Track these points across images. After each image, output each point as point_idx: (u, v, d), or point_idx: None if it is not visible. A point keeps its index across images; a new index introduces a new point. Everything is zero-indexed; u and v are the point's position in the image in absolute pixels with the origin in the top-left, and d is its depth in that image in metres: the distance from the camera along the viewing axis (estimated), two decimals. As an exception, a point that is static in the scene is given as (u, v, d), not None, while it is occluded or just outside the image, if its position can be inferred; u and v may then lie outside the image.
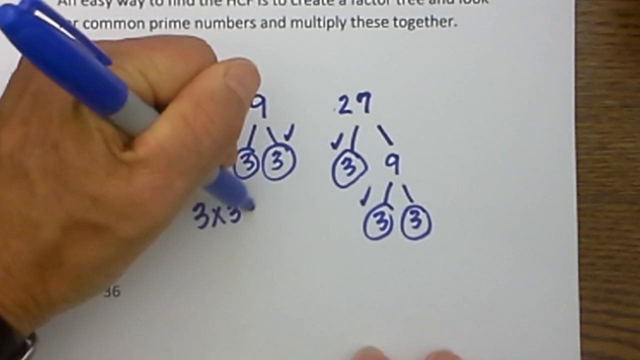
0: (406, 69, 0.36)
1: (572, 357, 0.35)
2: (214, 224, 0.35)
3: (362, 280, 0.35)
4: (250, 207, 0.35)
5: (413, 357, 0.35)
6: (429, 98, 0.36)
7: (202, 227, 0.35)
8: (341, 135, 0.36)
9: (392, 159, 0.36)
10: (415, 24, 0.36)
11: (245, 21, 0.36)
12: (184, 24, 0.35)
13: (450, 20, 0.36)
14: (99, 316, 0.35)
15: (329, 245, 0.35)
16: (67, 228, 0.25)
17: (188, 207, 0.35)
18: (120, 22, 0.35)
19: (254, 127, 0.35)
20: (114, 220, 0.26)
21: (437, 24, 0.36)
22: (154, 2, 0.35)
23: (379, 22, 0.36)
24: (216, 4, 0.36)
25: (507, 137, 0.36)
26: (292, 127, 0.36)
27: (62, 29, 0.22)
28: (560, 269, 0.36)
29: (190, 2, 0.35)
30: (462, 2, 0.36)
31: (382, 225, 0.36)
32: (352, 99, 0.36)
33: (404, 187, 0.36)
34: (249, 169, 0.35)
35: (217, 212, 0.35)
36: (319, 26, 0.36)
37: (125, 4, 0.35)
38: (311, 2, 0.36)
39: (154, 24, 0.35)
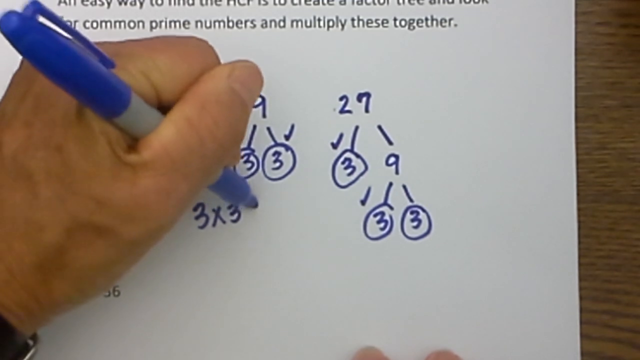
0: (406, 69, 0.36)
1: (572, 357, 0.35)
2: (214, 224, 0.35)
3: (362, 280, 0.35)
4: (254, 204, 0.35)
5: (413, 357, 0.35)
6: (429, 98, 0.36)
7: (202, 227, 0.35)
8: (341, 135, 0.36)
9: (392, 159, 0.36)
10: (415, 24, 0.36)
11: (245, 21, 0.36)
12: (184, 24, 0.35)
13: (450, 20, 0.36)
14: (99, 316, 0.35)
15: (329, 245, 0.35)
16: (71, 230, 0.25)
17: (190, 208, 0.35)
18: (120, 22, 0.35)
19: (254, 127, 0.35)
20: (118, 223, 0.26)
21: (437, 24, 0.36)
22: (154, 2, 0.35)
23: (379, 22, 0.36)
24: (216, 4, 0.36)
25: (507, 137, 0.36)
26: (292, 127, 0.36)
27: (65, 34, 0.22)
28: (560, 269, 0.36)
29: (190, 2, 0.35)
30: (462, 2, 0.36)
31: (382, 225, 0.36)
32: (352, 99, 0.36)
33: (404, 187, 0.36)
34: (249, 169, 0.35)
35: (217, 212, 0.35)
36: (319, 26, 0.36)
37: (125, 4, 0.35)
38: (311, 2, 0.36)
39: (154, 24, 0.35)
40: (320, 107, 0.36)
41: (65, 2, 0.35)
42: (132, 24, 0.35)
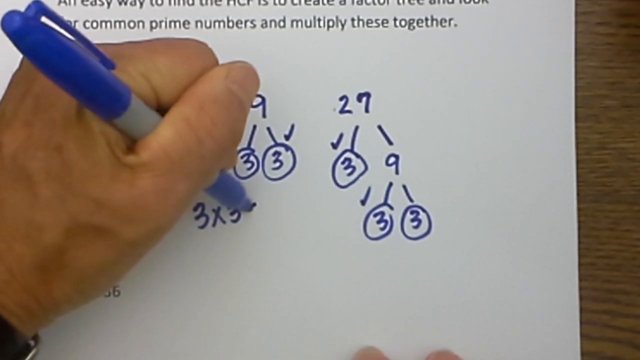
0: (406, 69, 0.36)
1: (572, 357, 0.35)
2: (214, 224, 0.35)
3: (362, 280, 0.35)
4: (249, 208, 0.35)
5: (413, 357, 0.35)
6: (429, 98, 0.36)
7: (202, 227, 0.35)
8: (341, 135, 0.36)
9: (392, 159, 0.36)
10: (415, 24, 0.36)
11: (245, 21, 0.36)
12: (184, 24, 0.35)
13: (450, 20, 0.36)
14: (99, 316, 0.35)
15: (329, 246, 0.35)
16: (71, 231, 0.25)
17: (189, 208, 0.35)
18: (120, 22, 0.35)
19: (254, 127, 0.35)
20: (117, 224, 0.26)
21: (437, 24, 0.36)
22: (154, 2, 0.35)
23: (379, 22, 0.36)
24: (216, 4, 0.36)
25: (507, 137, 0.36)
26: (292, 127, 0.36)
27: (67, 34, 0.22)
28: (560, 269, 0.36)
29: (190, 2, 0.35)
30: (462, 2, 0.36)
31: (382, 225, 0.36)
32: (352, 99, 0.36)
33: (404, 187, 0.36)
34: (249, 169, 0.35)
35: (217, 212, 0.35)
36: (319, 26, 0.36)
37: (125, 4, 0.35)
38: (311, 2, 0.36)
39: (154, 24, 0.35)
40: (320, 107, 0.36)
41: (65, 2, 0.35)
42: (132, 24, 0.35)
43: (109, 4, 0.35)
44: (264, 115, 0.35)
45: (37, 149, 0.25)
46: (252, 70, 0.30)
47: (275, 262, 0.35)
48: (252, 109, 0.35)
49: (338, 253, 0.35)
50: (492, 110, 0.36)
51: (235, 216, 0.35)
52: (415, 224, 0.36)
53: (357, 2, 0.36)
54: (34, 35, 0.21)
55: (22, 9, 0.21)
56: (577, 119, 0.36)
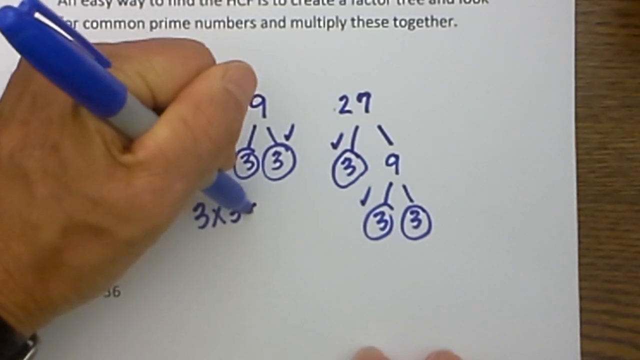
0: (406, 69, 0.36)
1: (572, 357, 0.35)
2: (214, 224, 0.35)
3: (362, 280, 0.35)
4: (248, 210, 0.35)
5: (413, 357, 0.35)
6: (429, 98, 0.36)
7: (202, 227, 0.35)
8: (341, 135, 0.36)
9: (392, 159, 0.36)
10: (415, 24, 0.36)
11: (245, 21, 0.36)
12: (184, 24, 0.35)
13: (450, 20, 0.36)
14: (99, 316, 0.35)
15: (329, 245, 0.35)
16: (67, 230, 0.25)
17: (188, 208, 0.35)
18: (120, 22, 0.35)
19: (254, 127, 0.35)
20: (113, 223, 0.26)
21: (437, 24, 0.36)
22: (154, 2, 0.35)
23: (379, 22, 0.36)
24: (216, 4, 0.36)
25: (507, 137, 0.36)
26: (292, 127, 0.36)
27: (62, 31, 0.22)
28: (560, 269, 0.36)
29: (190, 2, 0.35)
30: (462, 2, 0.36)
31: (382, 225, 0.36)
32: (352, 99, 0.36)
33: (404, 187, 0.36)
34: (249, 169, 0.35)
35: (217, 212, 0.35)
36: (319, 26, 0.36)
37: (125, 4, 0.35)
38: (311, 2, 0.36)
39: (154, 24, 0.35)
40: (320, 107, 0.36)
41: (65, 2, 0.35)
42: (132, 24, 0.35)
43: (109, 4, 0.35)
44: (264, 115, 0.35)
45: (33, 147, 0.25)
46: (249, 70, 0.30)
47: (275, 262, 0.35)
48: (252, 109, 0.35)
49: (338, 253, 0.35)
50: (492, 110, 0.36)
51: (235, 216, 0.35)
52: (415, 224, 0.36)
53: (357, 2, 0.36)
54: (27, 31, 0.20)
55: (16, 4, 0.21)
56: (577, 119, 0.36)
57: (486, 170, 0.36)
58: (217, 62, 0.29)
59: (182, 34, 0.35)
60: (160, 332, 0.35)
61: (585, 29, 0.36)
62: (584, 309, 0.36)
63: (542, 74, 0.36)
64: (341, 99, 0.36)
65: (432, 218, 0.36)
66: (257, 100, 0.35)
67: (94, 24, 0.35)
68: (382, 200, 0.36)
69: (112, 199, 0.25)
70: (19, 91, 0.26)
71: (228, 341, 0.35)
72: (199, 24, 0.35)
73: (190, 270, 0.35)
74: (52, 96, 0.25)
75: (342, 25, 0.36)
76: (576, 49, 0.36)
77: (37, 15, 0.21)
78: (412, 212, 0.36)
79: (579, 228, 0.36)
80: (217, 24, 0.35)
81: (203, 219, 0.35)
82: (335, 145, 0.36)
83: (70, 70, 0.22)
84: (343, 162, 0.36)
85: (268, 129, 0.36)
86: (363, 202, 0.36)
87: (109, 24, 0.35)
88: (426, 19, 0.36)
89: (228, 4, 0.36)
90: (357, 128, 0.36)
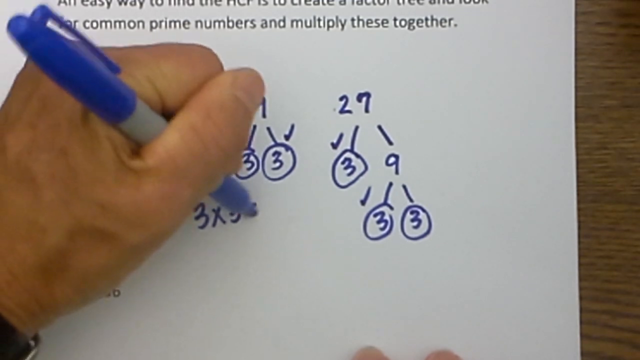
0: (406, 69, 0.36)
1: (572, 357, 0.35)
2: (214, 224, 0.35)
3: (362, 281, 0.35)
4: (252, 213, 0.35)
5: (413, 357, 0.35)
6: (429, 98, 0.36)
7: (202, 227, 0.35)
8: (341, 135, 0.36)
9: (392, 159, 0.36)
10: (415, 24, 0.36)
11: (245, 21, 0.36)
12: (184, 24, 0.35)
13: (450, 20, 0.36)
14: (99, 316, 0.35)
15: (329, 245, 0.35)
16: (74, 234, 0.25)
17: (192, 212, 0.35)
18: (120, 22, 0.35)
19: (254, 127, 0.35)
20: (121, 228, 0.26)
21: (437, 24, 0.36)
22: (154, 2, 0.35)
23: (379, 22, 0.36)
24: (216, 4, 0.35)
25: (507, 137, 0.36)
26: (292, 127, 0.36)
27: (73, 38, 0.22)
28: (560, 269, 0.36)
29: (190, 2, 0.35)
30: (462, 2, 0.36)
31: (382, 225, 0.36)
32: (352, 99, 0.36)
33: (404, 187, 0.36)
34: (249, 169, 0.35)
35: (217, 212, 0.35)
36: (319, 26, 0.36)
37: (125, 4, 0.35)
38: (311, 2, 0.36)
39: (154, 24, 0.35)
40: (320, 107, 0.36)
41: (65, 2, 0.35)
42: (132, 24, 0.35)
43: (109, 4, 0.35)
44: (264, 115, 0.35)
45: (41, 151, 0.25)
46: (258, 77, 0.30)
47: (275, 262, 0.35)
48: (252, 109, 0.35)
49: (338, 253, 0.35)
50: (492, 110, 0.36)
51: (235, 216, 0.35)
52: (415, 224, 0.36)
53: (357, 2, 0.36)
54: (40, 40, 0.21)
55: (28, 13, 0.21)
56: (577, 119, 0.36)
57: (486, 170, 0.36)
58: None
59: (182, 34, 0.35)
60: (160, 332, 0.35)
61: (585, 29, 0.36)
62: (584, 309, 0.36)
63: (542, 74, 0.36)
64: (341, 99, 0.36)
65: (432, 218, 0.36)
66: (257, 100, 0.35)
67: (94, 24, 0.35)
68: (382, 200, 0.36)
69: (120, 204, 0.25)
70: (26, 93, 0.26)
71: (228, 341, 0.35)
72: (199, 24, 0.35)
73: (190, 270, 0.35)
74: (61, 100, 0.25)
75: (342, 25, 0.36)
76: (576, 49, 0.36)
77: (49, 23, 0.21)
78: (412, 212, 0.36)
79: (579, 228, 0.36)
80: (217, 24, 0.35)
81: (203, 219, 0.35)
82: (335, 145, 0.36)
83: (82, 77, 0.22)
84: (343, 162, 0.36)
85: (268, 129, 0.36)
86: (363, 202, 0.36)
87: (109, 24, 0.35)
88: (426, 19, 0.36)
89: (228, 4, 0.36)
90: (357, 128, 0.36)
